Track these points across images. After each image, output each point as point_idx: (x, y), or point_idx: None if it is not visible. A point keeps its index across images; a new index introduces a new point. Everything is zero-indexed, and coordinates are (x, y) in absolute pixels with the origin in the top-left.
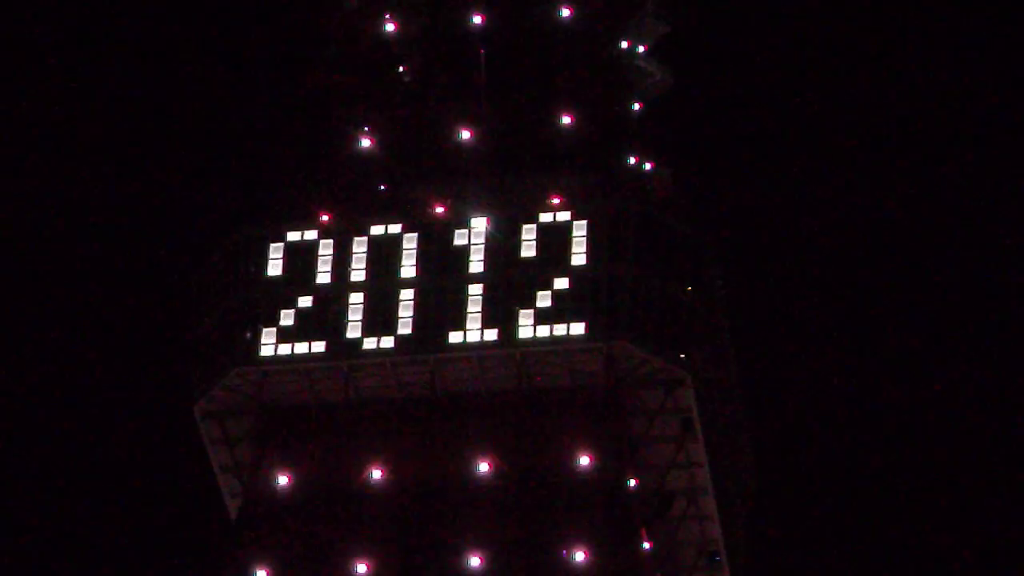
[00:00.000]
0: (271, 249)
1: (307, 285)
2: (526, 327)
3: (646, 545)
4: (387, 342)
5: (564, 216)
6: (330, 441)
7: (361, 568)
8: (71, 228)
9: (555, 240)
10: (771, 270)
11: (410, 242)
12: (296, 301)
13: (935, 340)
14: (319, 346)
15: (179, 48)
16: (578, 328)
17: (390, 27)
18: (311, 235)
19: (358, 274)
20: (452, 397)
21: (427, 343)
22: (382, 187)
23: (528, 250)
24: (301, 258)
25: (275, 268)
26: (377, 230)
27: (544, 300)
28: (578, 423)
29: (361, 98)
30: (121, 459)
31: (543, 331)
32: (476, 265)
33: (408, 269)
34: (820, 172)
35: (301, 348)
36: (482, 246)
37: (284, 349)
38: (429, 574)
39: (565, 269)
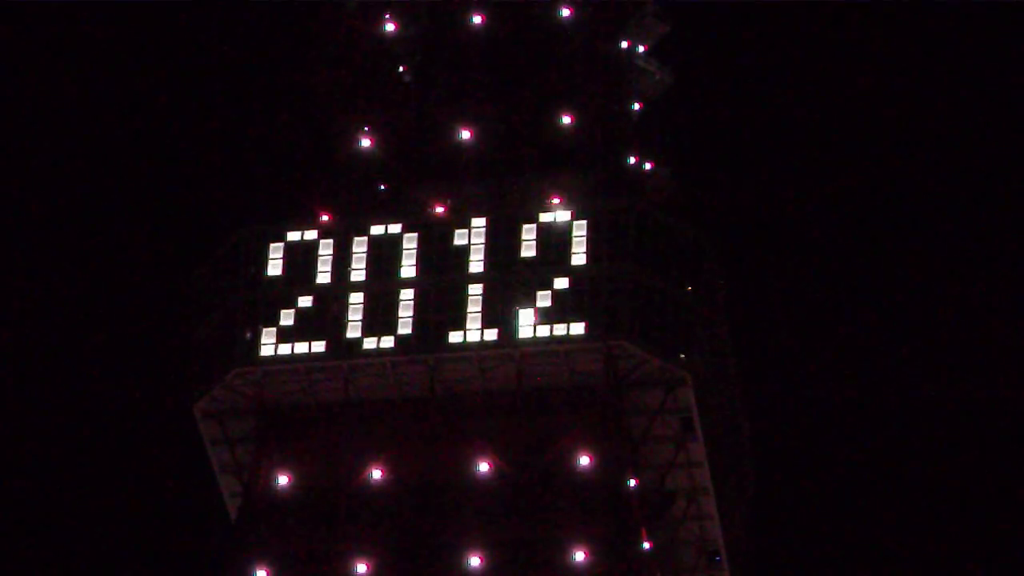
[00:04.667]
0: (271, 249)
1: (307, 285)
2: (526, 327)
3: (646, 545)
4: (387, 342)
5: (564, 216)
6: (330, 441)
7: (361, 568)
8: (72, 228)
9: (555, 240)
10: (771, 270)
11: (410, 242)
12: (296, 301)
13: (935, 340)
14: (319, 346)
15: (179, 49)
16: (578, 328)
17: (390, 27)
18: (311, 235)
19: (358, 274)
20: (452, 397)
21: (427, 343)
22: (382, 187)
23: (528, 250)
24: (301, 258)
25: (275, 268)
26: (377, 230)
27: (544, 300)
28: (578, 423)
29: (361, 98)
30: (121, 459)
31: (543, 331)
32: (476, 265)
33: (408, 269)
34: (820, 172)
35: (301, 348)
36: (482, 246)
37: (284, 349)
38: (429, 574)
39: (565, 269)
